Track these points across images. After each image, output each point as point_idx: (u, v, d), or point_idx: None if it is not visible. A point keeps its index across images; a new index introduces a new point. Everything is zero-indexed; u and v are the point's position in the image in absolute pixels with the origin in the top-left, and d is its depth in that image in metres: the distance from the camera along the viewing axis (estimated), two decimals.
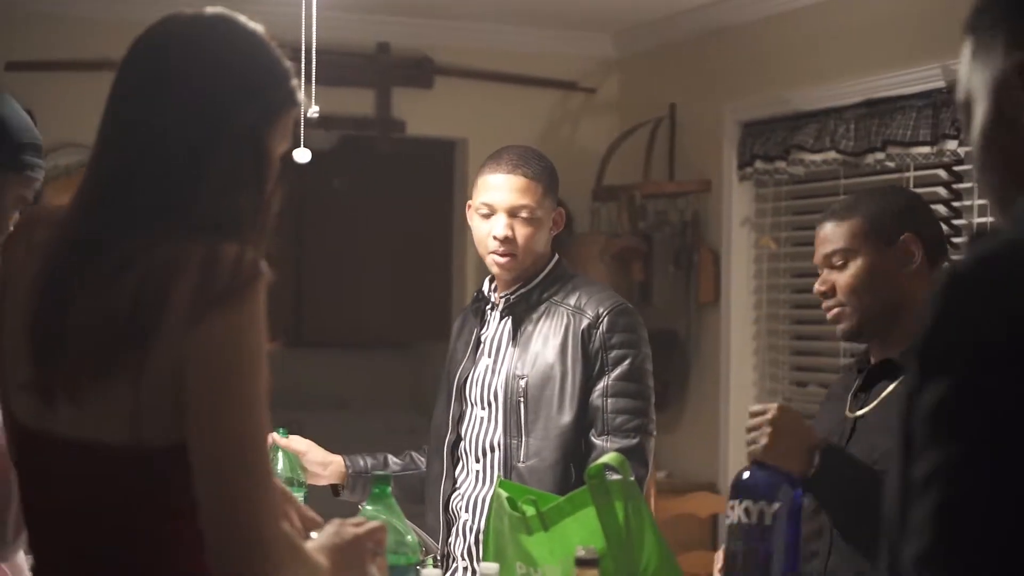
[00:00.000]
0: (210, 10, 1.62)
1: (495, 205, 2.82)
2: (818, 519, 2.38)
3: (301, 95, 1.65)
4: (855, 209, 2.42)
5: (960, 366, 1.04)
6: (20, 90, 4.84)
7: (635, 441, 2.78)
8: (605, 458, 2.29)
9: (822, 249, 2.44)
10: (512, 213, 2.80)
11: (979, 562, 1.00)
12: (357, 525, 1.77)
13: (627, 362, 2.81)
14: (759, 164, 4.86)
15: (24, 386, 1.57)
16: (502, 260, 2.84)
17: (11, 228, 1.93)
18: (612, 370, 2.80)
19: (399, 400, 6.69)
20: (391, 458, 3.05)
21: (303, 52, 2.86)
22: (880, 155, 4.27)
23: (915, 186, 4.17)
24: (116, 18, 5.01)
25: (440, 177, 5.92)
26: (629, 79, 5.76)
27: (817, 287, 2.45)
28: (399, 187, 6.28)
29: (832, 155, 4.48)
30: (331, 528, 1.75)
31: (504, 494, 2.32)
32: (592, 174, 5.57)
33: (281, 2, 3.10)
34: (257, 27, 1.63)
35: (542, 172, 2.84)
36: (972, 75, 1.23)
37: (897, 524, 1.06)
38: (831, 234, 2.42)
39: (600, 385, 2.80)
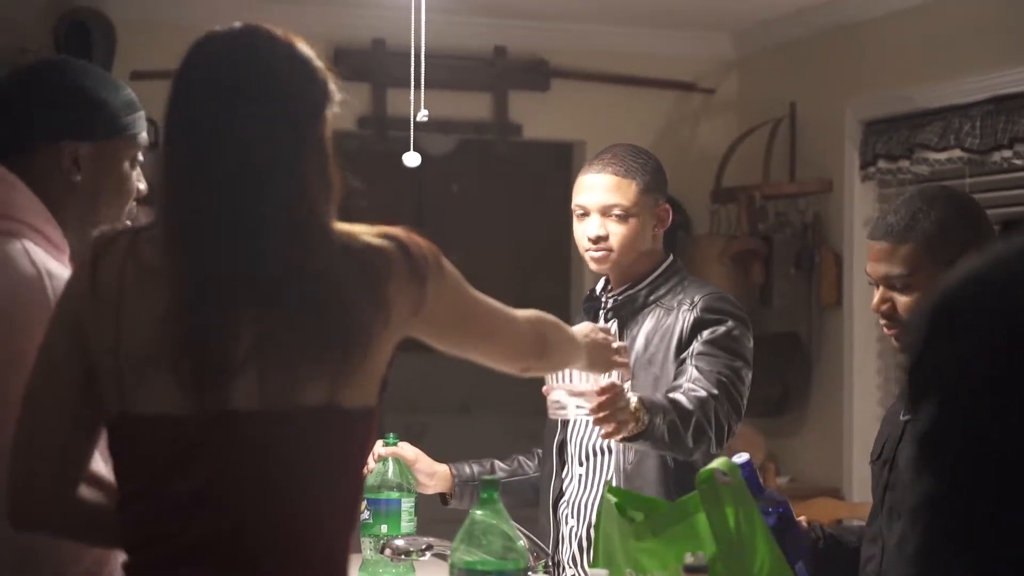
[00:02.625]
0: (239, 24, 1.74)
1: (587, 205, 2.78)
2: (874, 524, 2.34)
3: (336, 94, 1.73)
4: (912, 231, 2.26)
5: (945, 393, 1.00)
6: (144, 100, 4.96)
7: (716, 392, 2.66)
8: (715, 463, 2.24)
9: (878, 268, 2.31)
10: (604, 212, 2.76)
11: None
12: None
13: (720, 330, 2.72)
14: (882, 163, 4.76)
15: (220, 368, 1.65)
16: (596, 255, 2.79)
17: (136, 188, 2.01)
18: (701, 337, 2.72)
19: (521, 404, 6.68)
20: (498, 464, 3.03)
21: (412, 56, 2.86)
22: (1007, 153, 4.16)
23: None
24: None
25: (557, 179, 5.90)
26: (748, 78, 5.69)
27: (876, 305, 2.32)
28: (516, 190, 6.29)
29: (957, 153, 4.37)
30: (586, 328, 2.31)
31: (613, 499, 2.29)
32: (711, 175, 5.51)
33: (393, 7, 3.11)
34: (287, 33, 1.73)
35: (637, 169, 2.78)
36: None
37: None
38: (887, 256, 2.29)
39: (689, 350, 2.72)
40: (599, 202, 2.76)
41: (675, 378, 2.72)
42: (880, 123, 4.82)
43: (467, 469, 2.96)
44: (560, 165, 5.90)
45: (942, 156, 4.45)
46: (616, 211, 2.75)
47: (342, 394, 1.65)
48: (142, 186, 2.01)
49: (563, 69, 5.53)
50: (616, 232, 2.76)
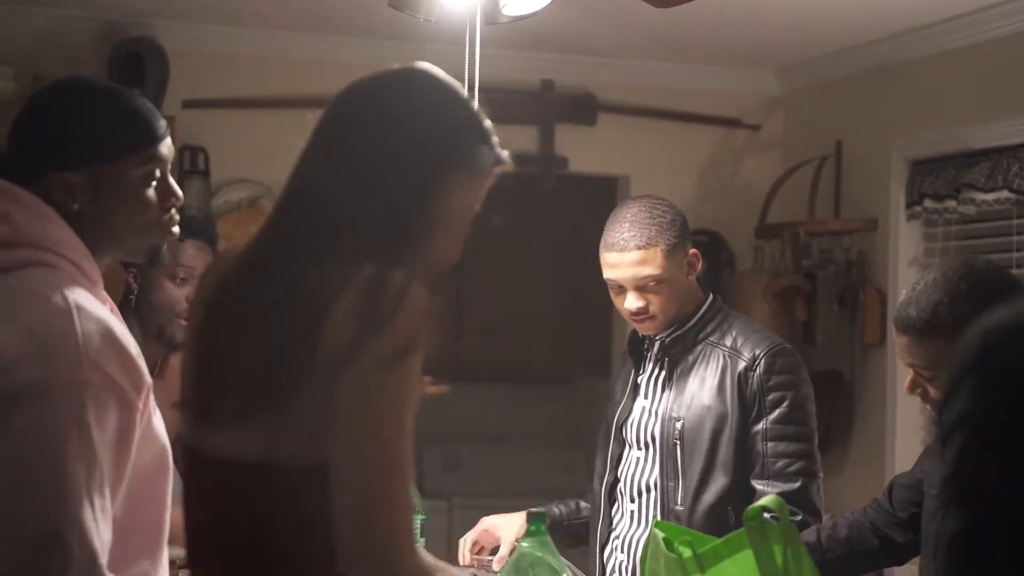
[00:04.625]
0: (413, 65, 1.73)
1: (620, 283, 2.80)
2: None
3: (497, 156, 1.72)
4: (933, 327, 2.23)
5: (970, 433, 1.03)
6: (195, 128, 5.04)
7: (797, 485, 2.73)
8: (763, 500, 2.25)
9: (904, 357, 2.30)
10: (639, 287, 2.78)
11: None
12: None
13: (786, 403, 2.76)
14: (928, 203, 4.75)
15: (189, 405, 1.67)
16: (643, 326, 2.84)
17: (169, 199, 1.94)
18: (770, 412, 2.76)
19: (557, 437, 6.69)
20: (582, 504, 3.08)
21: (466, 88, 2.90)
22: None
23: None
24: (286, 57, 5.17)
25: (602, 214, 5.88)
26: (794, 115, 5.70)
27: (908, 388, 2.32)
28: (562, 223, 6.30)
29: (1005, 194, 4.36)
30: None
31: (660, 535, 2.31)
32: (755, 211, 5.52)
33: (446, 41, 3.15)
34: (454, 84, 1.73)
35: (659, 233, 2.77)
36: None
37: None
38: (912, 350, 2.28)
39: (759, 427, 2.76)
40: (631, 279, 2.78)
41: (751, 451, 2.76)
42: (927, 162, 4.81)
43: (555, 510, 3.02)
44: (605, 199, 5.91)
45: (989, 197, 4.44)
46: (651, 283, 2.78)
47: (278, 447, 1.57)
48: (179, 193, 1.95)
49: (610, 103, 5.56)
50: (655, 300, 2.79)
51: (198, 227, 2.94)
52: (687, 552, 2.25)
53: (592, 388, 6.17)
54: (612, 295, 2.85)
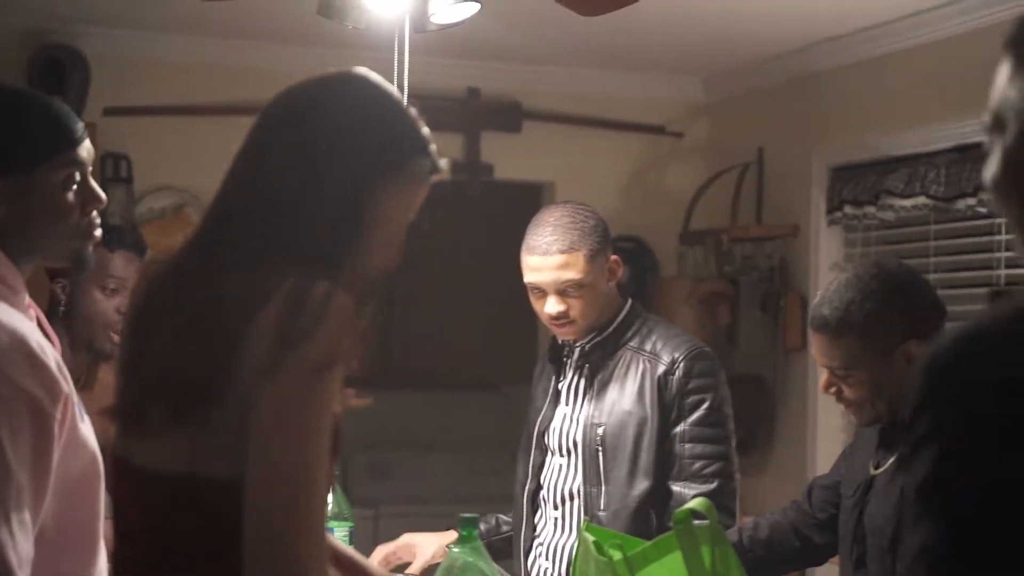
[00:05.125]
0: (348, 70, 1.70)
1: (542, 287, 2.81)
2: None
3: (434, 164, 1.70)
4: (846, 325, 2.30)
5: (942, 446, 1.05)
6: (117, 135, 5.00)
7: (714, 486, 2.76)
8: (692, 503, 2.29)
9: (819, 357, 2.36)
10: (560, 291, 2.79)
11: None
12: None
13: (704, 406, 2.79)
14: (848, 209, 4.83)
15: (118, 414, 1.65)
16: (563, 331, 2.85)
17: (91, 200, 1.92)
18: (689, 415, 2.78)
19: (485, 442, 6.71)
20: (502, 518, 3.08)
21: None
22: (971, 201, 4.23)
23: (1008, 232, 4.14)
24: (210, 64, 5.14)
25: (528, 220, 5.94)
26: (717, 123, 5.77)
27: (823, 387, 2.38)
28: (488, 230, 6.33)
29: (922, 200, 4.45)
30: None
31: (591, 538, 2.33)
32: (679, 218, 5.58)
33: (375, 48, 3.16)
34: (391, 90, 1.70)
35: (581, 238, 2.78)
36: (1007, 94, 1.20)
37: None
38: (826, 349, 2.33)
39: (677, 430, 2.78)
40: (552, 282, 2.79)
41: (669, 453, 2.78)
42: (847, 169, 4.89)
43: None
44: (530, 205, 5.94)
45: (907, 203, 4.52)
46: (571, 287, 2.79)
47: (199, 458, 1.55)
48: (101, 196, 1.93)
49: (535, 111, 5.60)
50: (575, 304, 2.80)
51: (128, 238, 2.92)
52: (617, 555, 2.27)
53: (519, 394, 6.16)
54: (532, 300, 2.86)
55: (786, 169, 5.26)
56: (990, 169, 1.22)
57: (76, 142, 1.90)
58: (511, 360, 6.36)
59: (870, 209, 4.72)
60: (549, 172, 5.71)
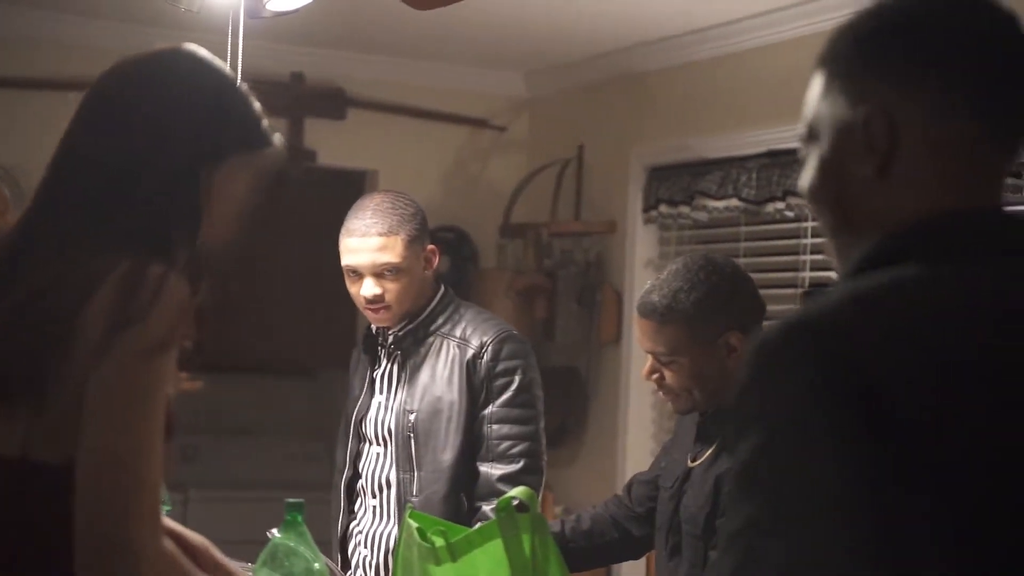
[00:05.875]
0: (179, 47, 1.69)
1: (358, 268, 2.84)
2: (660, 563, 2.52)
3: (266, 139, 1.69)
4: (673, 312, 2.39)
5: (764, 429, 1.11)
6: None
7: (519, 466, 2.80)
8: (515, 492, 2.35)
9: (645, 343, 2.45)
10: (376, 274, 2.83)
11: None
12: None
13: (512, 388, 2.84)
14: (663, 208, 4.97)
15: None
16: (377, 316, 2.88)
17: None
18: (497, 397, 2.83)
19: (301, 427, 6.68)
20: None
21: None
22: (780, 204, 4.40)
23: (813, 235, 4.32)
24: (40, 38, 5.00)
25: (350, 207, 5.94)
26: (539, 119, 5.86)
27: (645, 374, 2.48)
28: (308, 216, 6.30)
29: (734, 202, 4.59)
30: None
31: (414, 524, 2.37)
32: (500, 211, 5.65)
33: (208, 30, 3.13)
34: (222, 67, 1.69)
35: (400, 223, 2.83)
36: (820, 110, 1.28)
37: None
38: (652, 335, 2.42)
39: (486, 412, 2.83)
40: (370, 264, 2.82)
41: (478, 435, 2.82)
42: (663, 169, 5.02)
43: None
44: (353, 192, 5.94)
45: (720, 204, 4.67)
46: (388, 270, 2.82)
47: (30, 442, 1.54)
48: None
49: (360, 99, 5.60)
50: (391, 288, 2.84)
51: None
52: (440, 541, 2.32)
53: (335, 380, 6.17)
54: (349, 284, 2.88)
55: (605, 167, 5.38)
56: (805, 178, 1.30)
57: None
58: (328, 346, 6.34)
59: (684, 209, 4.86)
60: (373, 160, 5.72)
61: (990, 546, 1.09)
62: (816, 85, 1.29)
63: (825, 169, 1.27)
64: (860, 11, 1.28)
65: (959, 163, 1.23)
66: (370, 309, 2.85)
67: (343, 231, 2.86)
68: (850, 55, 1.27)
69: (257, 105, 1.69)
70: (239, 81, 1.69)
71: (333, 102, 5.57)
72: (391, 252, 2.81)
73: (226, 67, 1.70)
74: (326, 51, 5.45)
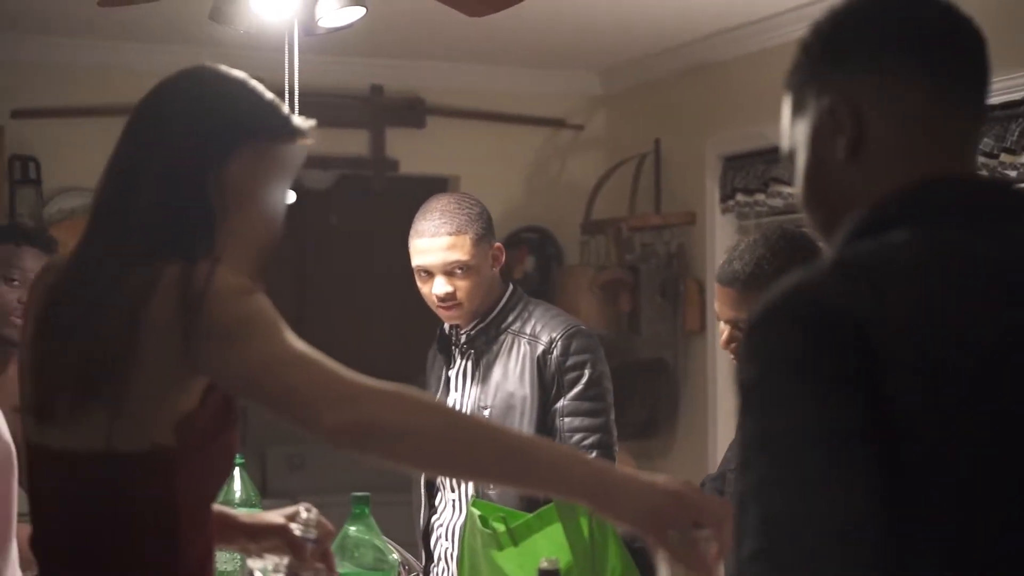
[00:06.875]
0: (196, 65, 1.79)
1: (429, 268, 2.91)
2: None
3: (287, 125, 1.76)
4: (756, 279, 2.39)
5: (768, 386, 1.18)
6: (25, 137, 5.03)
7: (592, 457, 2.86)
8: None
9: (726, 311, 2.46)
10: (447, 272, 2.90)
11: (795, 561, 1.12)
12: None
13: (582, 382, 2.89)
14: (740, 197, 5.00)
15: (28, 410, 1.73)
16: (449, 313, 2.96)
17: None
18: (568, 391, 2.89)
19: None
20: None
21: (287, 95, 3.00)
22: None
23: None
24: (116, 66, 5.19)
25: None
26: (615, 115, 5.91)
27: (724, 343, 2.49)
28: (394, 224, 6.41)
29: None
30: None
31: (477, 512, 2.45)
32: (580, 208, 5.71)
33: (267, 47, 3.24)
34: (234, 73, 1.78)
35: (467, 222, 2.90)
36: (794, 129, 1.37)
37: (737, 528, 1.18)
38: (734, 302, 2.43)
39: (557, 406, 2.89)
40: (440, 263, 2.89)
41: (551, 429, 2.88)
42: (738, 158, 5.05)
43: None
44: None
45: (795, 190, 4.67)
46: (458, 269, 2.90)
47: (113, 435, 1.64)
48: None
49: (438, 107, 5.70)
50: (462, 286, 2.91)
51: (35, 235, 3.02)
52: (501, 527, 2.39)
53: (422, 384, 6.29)
54: (420, 284, 2.96)
55: (682, 159, 5.41)
56: (796, 187, 1.39)
57: None
58: (419, 352, 6.41)
59: (760, 196, 4.89)
60: (453, 166, 5.81)
61: (990, 489, 1.15)
62: (784, 108, 1.38)
63: (808, 179, 1.35)
64: (814, 23, 1.38)
65: (926, 134, 1.30)
66: (442, 307, 2.94)
67: (412, 233, 2.95)
68: (812, 59, 1.36)
69: (272, 97, 1.77)
70: (248, 80, 1.78)
71: (412, 111, 5.69)
72: (460, 250, 2.89)
73: (239, 73, 1.78)
74: (402, 62, 5.57)
